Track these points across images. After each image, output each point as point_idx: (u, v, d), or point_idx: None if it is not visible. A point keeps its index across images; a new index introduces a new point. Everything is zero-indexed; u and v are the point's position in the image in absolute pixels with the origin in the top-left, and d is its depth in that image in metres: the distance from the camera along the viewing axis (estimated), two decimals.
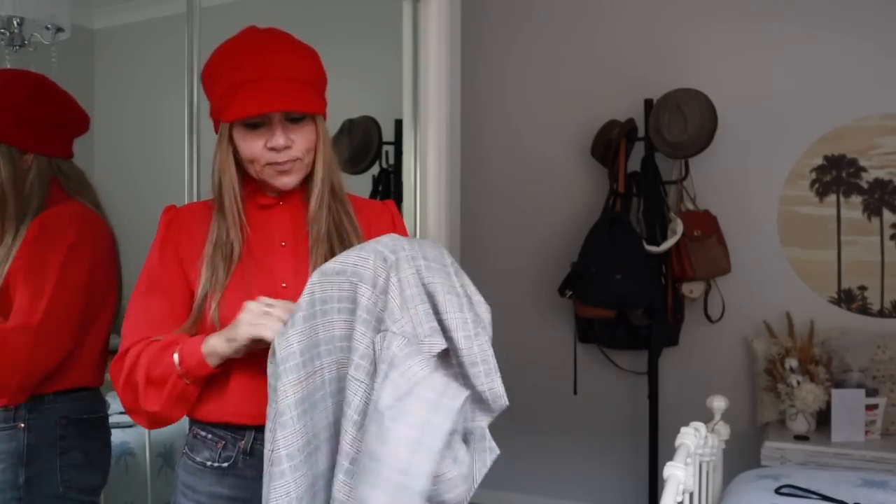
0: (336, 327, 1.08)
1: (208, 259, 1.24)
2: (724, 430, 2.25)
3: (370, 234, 1.30)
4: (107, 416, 1.78)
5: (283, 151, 1.22)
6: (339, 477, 1.01)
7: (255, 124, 1.22)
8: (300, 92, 1.21)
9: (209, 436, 1.28)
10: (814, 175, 3.16)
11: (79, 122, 1.75)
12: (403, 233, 1.38)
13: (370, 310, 1.04)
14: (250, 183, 1.30)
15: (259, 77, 1.19)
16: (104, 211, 1.74)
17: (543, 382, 3.57)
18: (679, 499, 1.50)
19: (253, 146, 1.22)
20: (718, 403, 2.30)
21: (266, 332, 1.10)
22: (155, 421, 1.23)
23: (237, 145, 1.24)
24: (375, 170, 3.46)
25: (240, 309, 1.16)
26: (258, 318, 1.12)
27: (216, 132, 1.27)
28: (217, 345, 1.16)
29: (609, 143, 3.24)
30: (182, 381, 1.17)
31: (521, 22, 3.70)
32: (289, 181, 1.26)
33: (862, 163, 3.09)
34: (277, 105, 1.19)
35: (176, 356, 1.17)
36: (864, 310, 3.08)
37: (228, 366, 1.21)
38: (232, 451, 1.26)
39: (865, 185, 3.08)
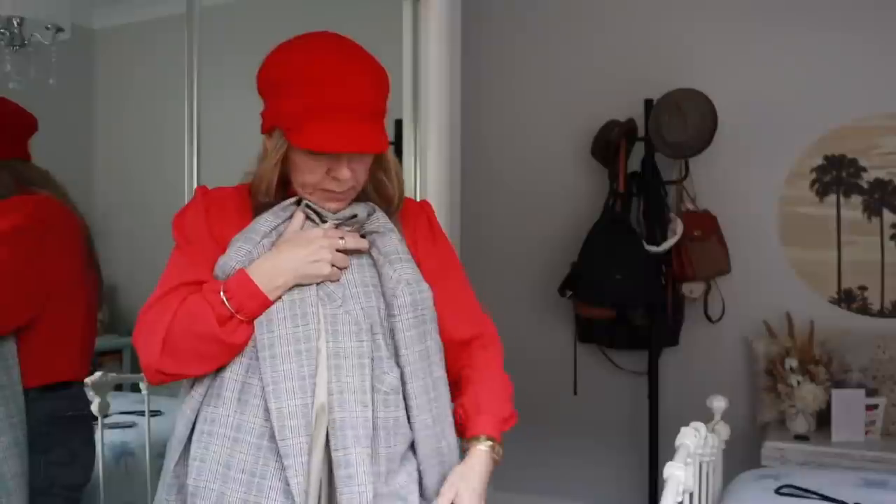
0: None
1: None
2: (724, 430, 2.25)
3: (411, 234, 1.31)
4: (90, 414, 1.77)
5: (343, 182, 1.21)
6: None
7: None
8: (375, 131, 1.19)
9: None
10: (814, 175, 3.16)
11: (24, 123, 1.73)
12: (441, 235, 1.37)
13: None
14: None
15: (338, 107, 1.15)
16: (73, 203, 1.71)
17: (543, 382, 3.56)
18: (679, 499, 1.50)
19: (315, 172, 1.20)
20: (718, 403, 2.30)
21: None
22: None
23: (294, 163, 1.21)
24: None
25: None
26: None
27: (263, 132, 1.23)
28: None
29: (609, 144, 3.24)
30: (236, 318, 1.16)
31: (521, 22, 3.70)
32: (338, 207, 1.24)
33: (862, 163, 3.09)
34: (354, 146, 1.17)
35: (222, 293, 1.15)
36: (865, 310, 3.08)
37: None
38: None
39: (865, 185, 3.08)
